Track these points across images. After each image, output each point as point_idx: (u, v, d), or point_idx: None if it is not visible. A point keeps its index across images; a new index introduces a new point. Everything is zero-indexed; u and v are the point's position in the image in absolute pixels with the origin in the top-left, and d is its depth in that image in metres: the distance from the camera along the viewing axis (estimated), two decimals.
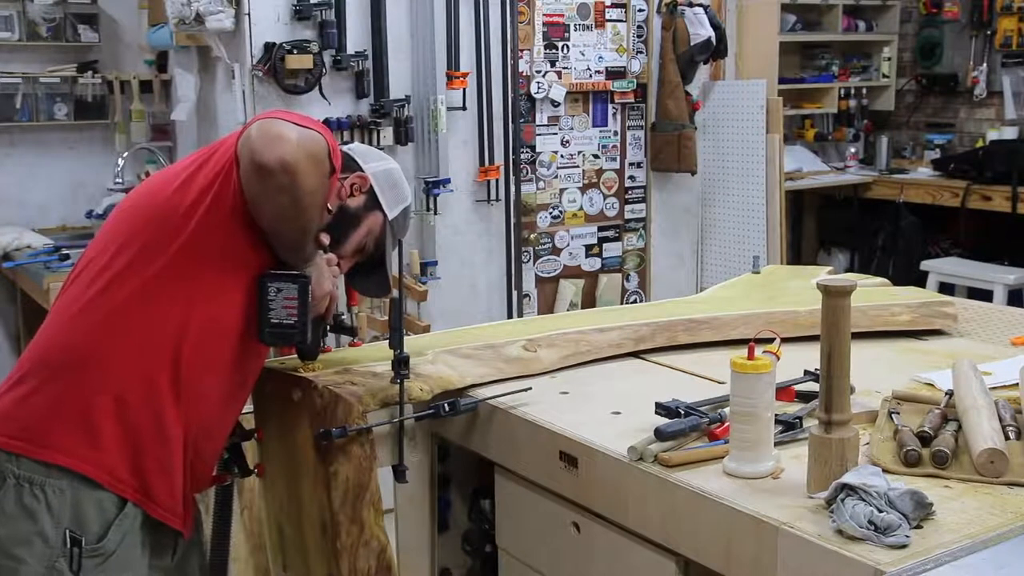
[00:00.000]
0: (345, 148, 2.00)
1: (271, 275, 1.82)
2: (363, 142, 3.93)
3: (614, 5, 4.68)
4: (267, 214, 1.73)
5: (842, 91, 6.22)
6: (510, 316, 4.40)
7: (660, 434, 1.70)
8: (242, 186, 1.72)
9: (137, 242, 1.77)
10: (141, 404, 1.73)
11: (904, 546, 1.36)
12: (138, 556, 1.78)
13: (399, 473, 1.98)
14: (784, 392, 1.92)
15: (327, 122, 3.78)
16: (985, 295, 4.98)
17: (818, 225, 6.47)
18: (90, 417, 1.71)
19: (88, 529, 1.71)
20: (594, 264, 4.82)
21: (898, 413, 1.79)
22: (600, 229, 4.82)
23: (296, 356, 2.03)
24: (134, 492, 1.74)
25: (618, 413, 1.94)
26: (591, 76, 4.66)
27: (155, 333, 1.75)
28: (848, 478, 1.44)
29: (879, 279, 3.07)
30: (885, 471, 1.52)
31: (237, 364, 1.84)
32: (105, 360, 1.73)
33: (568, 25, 4.56)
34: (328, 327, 2.04)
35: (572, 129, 4.67)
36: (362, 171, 1.98)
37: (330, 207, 1.90)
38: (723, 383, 1.95)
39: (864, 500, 1.40)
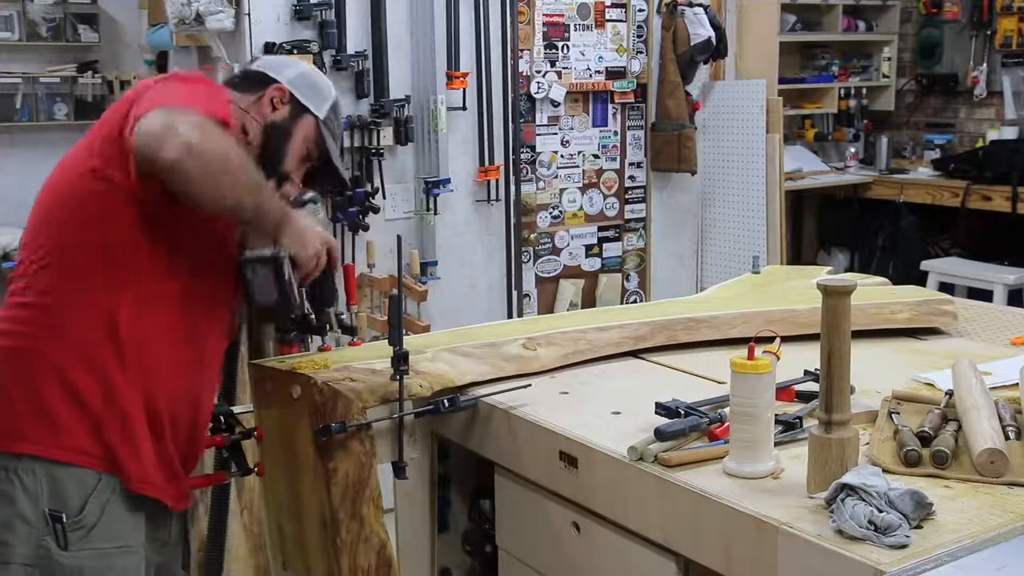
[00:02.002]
0: (254, 65, 2.02)
1: (244, 259, 1.82)
2: (363, 142, 3.93)
3: (614, 5, 4.68)
4: (212, 200, 1.69)
5: (842, 91, 6.21)
6: (510, 316, 4.39)
7: (660, 434, 1.70)
8: (179, 195, 1.68)
9: (51, 226, 1.78)
10: (87, 379, 1.74)
11: (904, 546, 1.36)
12: (129, 527, 1.78)
13: (399, 469, 1.97)
14: (784, 392, 1.92)
15: None
16: (985, 295, 4.97)
17: (818, 225, 6.46)
18: (44, 404, 1.73)
19: (69, 503, 1.73)
20: (594, 264, 4.82)
21: (898, 413, 1.79)
22: (600, 229, 4.82)
23: (295, 355, 2.03)
24: (104, 464, 1.76)
25: (618, 413, 1.93)
26: (591, 76, 4.66)
27: (86, 309, 1.75)
28: (848, 478, 1.44)
29: (879, 279, 3.07)
30: (885, 471, 1.52)
31: (187, 331, 1.83)
32: (42, 345, 1.74)
33: (568, 25, 4.56)
34: (334, 291, 2.00)
35: (572, 129, 4.67)
36: (277, 82, 1.96)
37: (248, 129, 1.89)
38: (723, 383, 1.95)
39: (864, 500, 1.40)
